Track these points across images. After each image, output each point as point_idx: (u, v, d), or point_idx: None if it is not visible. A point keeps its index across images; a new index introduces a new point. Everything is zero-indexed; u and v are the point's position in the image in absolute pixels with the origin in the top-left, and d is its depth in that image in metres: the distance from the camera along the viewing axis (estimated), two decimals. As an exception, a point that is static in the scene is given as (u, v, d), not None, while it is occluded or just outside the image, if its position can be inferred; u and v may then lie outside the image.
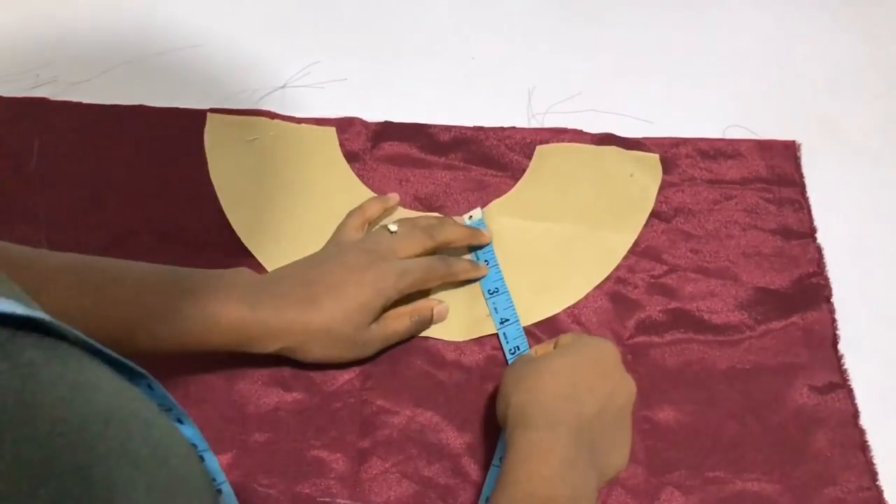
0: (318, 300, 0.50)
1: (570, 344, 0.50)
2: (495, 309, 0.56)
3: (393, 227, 0.55)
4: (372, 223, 0.58)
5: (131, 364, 0.30)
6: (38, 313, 0.24)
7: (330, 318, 0.50)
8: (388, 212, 0.59)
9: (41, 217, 0.58)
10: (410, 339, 0.55)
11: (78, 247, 0.57)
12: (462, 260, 0.57)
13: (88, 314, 0.46)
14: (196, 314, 0.48)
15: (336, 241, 0.56)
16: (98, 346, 0.27)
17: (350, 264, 0.52)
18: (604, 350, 0.49)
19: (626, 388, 0.48)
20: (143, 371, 0.31)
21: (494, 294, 0.56)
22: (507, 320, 0.55)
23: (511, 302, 0.56)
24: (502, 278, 0.57)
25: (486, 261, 0.58)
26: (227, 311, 0.48)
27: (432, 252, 0.56)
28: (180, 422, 0.36)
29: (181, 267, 0.50)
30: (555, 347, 0.50)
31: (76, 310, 0.46)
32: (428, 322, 0.55)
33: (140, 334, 0.47)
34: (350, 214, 0.58)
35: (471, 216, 0.60)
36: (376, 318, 0.52)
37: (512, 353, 0.54)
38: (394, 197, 0.60)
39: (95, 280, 0.48)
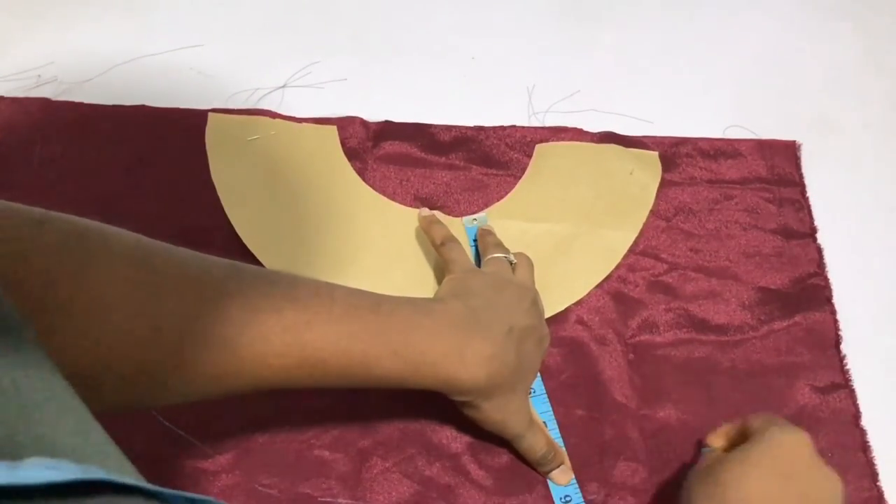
0: (517, 353, 0.46)
1: (759, 447, 0.43)
2: None
3: (513, 259, 0.54)
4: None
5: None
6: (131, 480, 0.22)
7: (519, 376, 0.47)
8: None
9: (41, 217, 0.58)
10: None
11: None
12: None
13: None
14: (405, 360, 0.43)
15: (472, 268, 0.53)
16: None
17: (534, 315, 0.49)
18: (799, 451, 0.43)
19: (829, 489, 0.42)
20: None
21: None
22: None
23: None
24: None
25: None
26: (434, 360, 0.44)
27: None
28: None
29: (391, 296, 0.46)
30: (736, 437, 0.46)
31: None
32: (546, 464, 0.49)
33: (350, 372, 0.43)
34: (452, 243, 0.54)
35: (475, 219, 0.60)
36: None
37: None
38: (428, 212, 0.58)
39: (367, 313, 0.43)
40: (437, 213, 0.59)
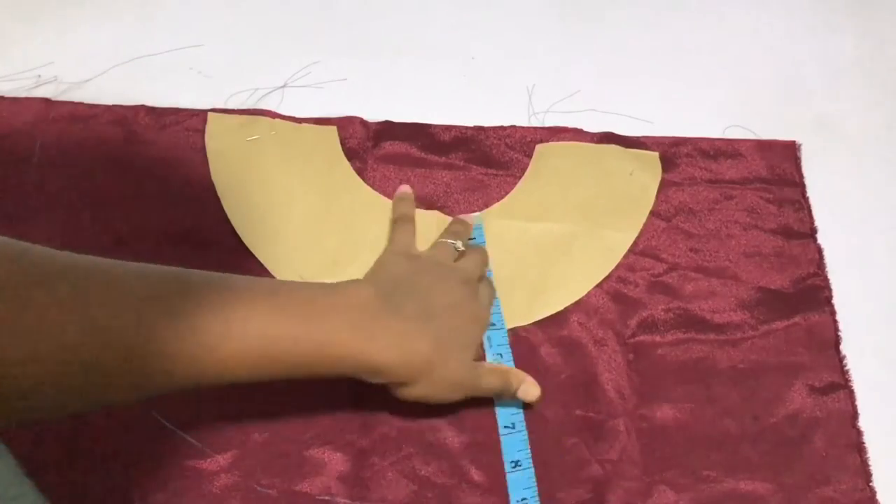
0: (438, 331, 0.47)
1: None
2: None
3: (460, 246, 0.54)
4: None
5: None
6: None
7: (447, 352, 0.47)
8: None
9: (41, 217, 0.58)
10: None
11: (78, 247, 0.57)
12: (490, 280, 0.56)
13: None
14: (316, 345, 0.43)
15: (404, 251, 0.53)
16: None
17: (457, 293, 0.49)
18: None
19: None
20: None
21: None
22: (494, 324, 0.55)
23: (500, 308, 0.56)
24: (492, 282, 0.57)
25: None
26: (343, 341, 0.44)
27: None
28: None
29: (286, 281, 0.47)
30: None
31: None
32: (511, 393, 0.51)
33: (261, 363, 0.43)
34: (405, 225, 0.56)
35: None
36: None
37: (494, 358, 0.54)
38: (408, 190, 0.59)
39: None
40: (435, 212, 0.60)
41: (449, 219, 0.60)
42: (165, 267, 0.42)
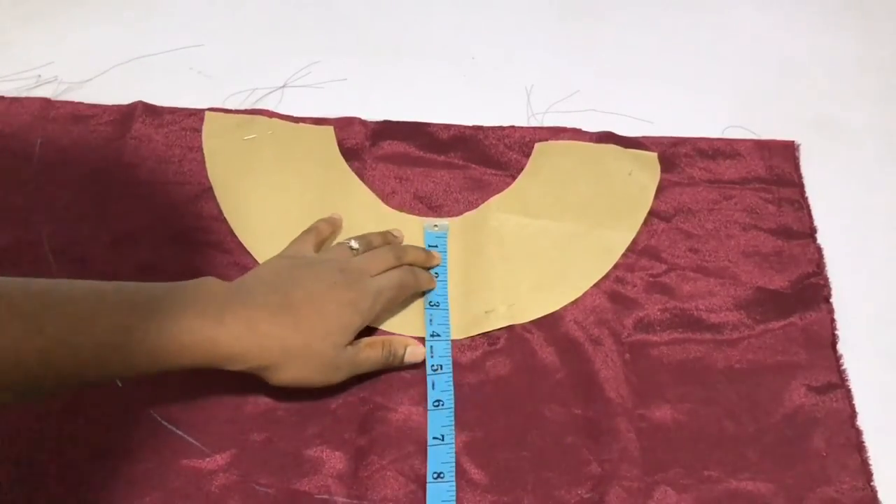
0: (296, 316, 0.48)
1: None
2: (430, 320, 0.55)
3: (355, 245, 0.55)
4: (324, 242, 0.58)
5: None
6: None
7: (310, 335, 0.48)
8: (336, 231, 0.59)
9: (41, 217, 0.59)
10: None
11: (78, 247, 0.57)
12: (425, 272, 0.57)
13: (49, 350, 0.41)
14: (159, 334, 0.44)
15: (293, 255, 0.54)
16: None
17: (327, 280, 0.50)
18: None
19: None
20: None
21: (434, 307, 0.56)
22: (438, 335, 0.55)
23: (447, 318, 0.56)
24: (446, 293, 0.57)
25: (435, 273, 0.58)
26: (191, 328, 0.45)
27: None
28: None
29: (139, 282, 0.47)
30: None
31: (31, 352, 0.41)
32: (399, 359, 0.53)
33: (112, 358, 0.43)
34: (304, 233, 0.57)
35: (436, 224, 0.60)
36: (351, 342, 0.51)
37: (434, 371, 0.53)
38: (339, 217, 0.59)
39: (56, 314, 0.42)
40: (432, 220, 0.60)
41: (413, 218, 0.60)
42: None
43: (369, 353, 0.52)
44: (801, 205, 0.62)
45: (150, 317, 0.44)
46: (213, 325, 0.45)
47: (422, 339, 0.55)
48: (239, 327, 0.46)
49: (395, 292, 0.54)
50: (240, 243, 0.58)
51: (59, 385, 0.44)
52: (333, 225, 0.59)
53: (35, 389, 0.43)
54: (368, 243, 0.56)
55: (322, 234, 0.57)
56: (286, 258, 0.54)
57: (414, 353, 0.53)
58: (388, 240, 0.58)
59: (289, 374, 0.48)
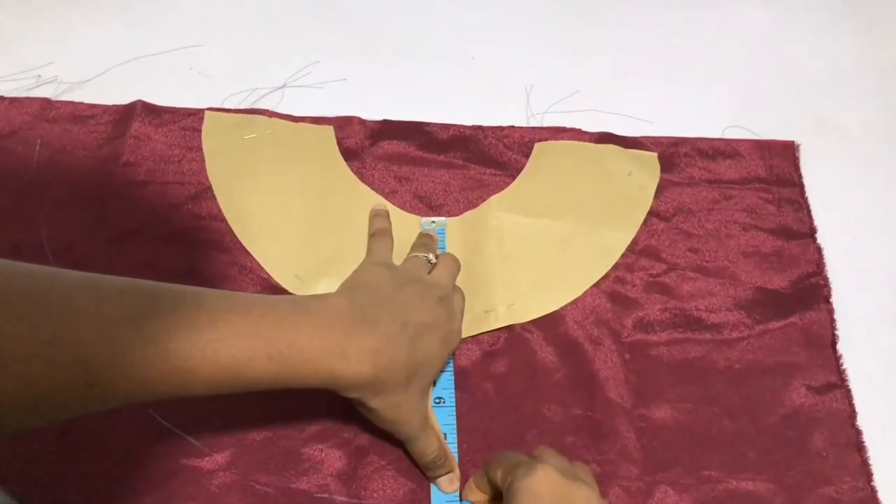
0: (413, 351, 0.46)
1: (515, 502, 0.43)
2: None
3: (433, 258, 0.54)
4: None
5: None
6: None
7: (417, 376, 0.46)
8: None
9: (41, 217, 0.59)
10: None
11: (78, 247, 0.57)
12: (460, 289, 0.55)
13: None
14: (281, 360, 0.42)
15: (384, 262, 0.53)
16: None
17: (434, 313, 0.48)
18: (548, 485, 0.42)
19: (583, 498, 0.43)
20: None
21: None
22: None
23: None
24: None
25: None
26: (312, 358, 0.43)
27: None
28: None
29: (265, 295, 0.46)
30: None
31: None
32: (435, 470, 0.49)
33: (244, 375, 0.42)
34: (382, 237, 0.56)
35: (433, 221, 0.60)
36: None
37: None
38: (384, 206, 0.59)
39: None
40: (429, 218, 0.60)
41: (409, 216, 0.60)
42: (138, 282, 0.41)
43: (431, 435, 0.49)
44: (801, 205, 0.62)
45: (278, 343, 0.42)
46: (336, 358, 0.44)
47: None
48: (361, 359, 0.44)
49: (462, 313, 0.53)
50: (239, 243, 0.58)
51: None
52: (388, 219, 0.58)
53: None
54: (431, 251, 0.55)
55: (390, 234, 0.57)
56: (385, 267, 0.52)
57: (446, 483, 0.50)
58: (432, 242, 0.57)
59: (377, 412, 0.47)
